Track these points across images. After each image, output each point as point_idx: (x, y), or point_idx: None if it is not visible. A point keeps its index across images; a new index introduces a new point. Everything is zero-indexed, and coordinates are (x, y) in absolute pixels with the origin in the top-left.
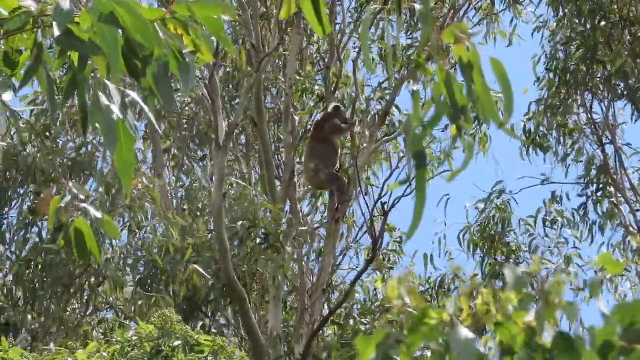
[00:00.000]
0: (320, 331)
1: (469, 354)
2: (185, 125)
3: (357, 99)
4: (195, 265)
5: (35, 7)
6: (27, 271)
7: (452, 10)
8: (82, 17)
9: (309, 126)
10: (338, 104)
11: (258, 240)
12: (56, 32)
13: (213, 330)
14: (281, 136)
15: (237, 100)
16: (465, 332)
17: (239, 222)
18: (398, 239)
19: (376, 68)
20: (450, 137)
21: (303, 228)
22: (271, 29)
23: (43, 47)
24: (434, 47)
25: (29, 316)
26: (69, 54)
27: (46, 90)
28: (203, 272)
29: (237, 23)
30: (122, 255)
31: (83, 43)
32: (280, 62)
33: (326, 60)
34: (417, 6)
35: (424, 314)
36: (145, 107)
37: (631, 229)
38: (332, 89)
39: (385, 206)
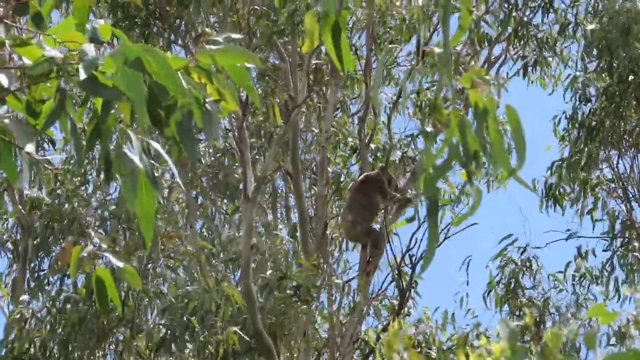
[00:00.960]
0: None
1: None
2: (211, 176)
3: (391, 151)
4: (235, 329)
5: (60, 56)
6: (61, 323)
7: (487, 63)
8: (106, 64)
9: (342, 178)
10: (383, 165)
11: (288, 291)
12: (82, 76)
13: None
14: (315, 189)
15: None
16: None
17: (268, 273)
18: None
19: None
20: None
21: (338, 281)
22: (302, 81)
23: (66, 93)
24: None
25: None
26: (91, 101)
27: (70, 134)
28: (242, 334)
29: (273, 74)
30: (154, 307)
31: (107, 89)
32: (315, 114)
33: (361, 112)
34: (437, 50)
35: None
36: (168, 159)
37: None
38: (366, 141)
39: (414, 259)
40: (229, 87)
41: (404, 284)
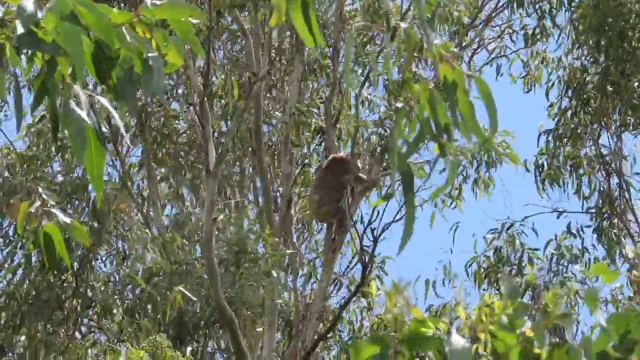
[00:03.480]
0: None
1: None
2: (182, 154)
3: (357, 133)
4: (181, 288)
5: None
6: (15, 293)
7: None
8: (46, 18)
9: (307, 160)
10: (359, 152)
11: (247, 265)
12: (19, 31)
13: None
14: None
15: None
16: (461, 341)
17: (225, 248)
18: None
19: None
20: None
21: (293, 251)
22: (263, 55)
23: (5, 51)
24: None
25: (19, 338)
26: (37, 57)
27: (14, 93)
28: (188, 294)
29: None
30: (111, 280)
31: (45, 43)
32: (279, 90)
33: (327, 92)
34: (403, 25)
35: (421, 323)
36: (114, 112)
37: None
38: (332, 122)
39: (375, 232)
40: (174, 42)
41: (367, 258)
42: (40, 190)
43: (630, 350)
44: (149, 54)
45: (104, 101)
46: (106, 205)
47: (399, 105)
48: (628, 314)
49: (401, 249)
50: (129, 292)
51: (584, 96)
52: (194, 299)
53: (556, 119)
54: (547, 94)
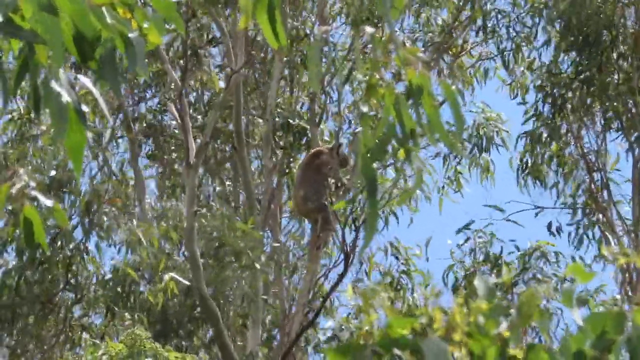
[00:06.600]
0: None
1: None
2: (173, 148)
3: (340, 129)
4: (173, 274)
5: None
6: (6, 289)
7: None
8: (24, 6)
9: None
10: (340, 143)
11: (227, 259)
12: None
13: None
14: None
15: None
16: (438, 342)
17: (203, 241)
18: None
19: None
20: (400, 161)
21: (277, 244)
22: (241, 50)
23: None
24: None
25: (7, 333)
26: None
27: None
28: (180, 279)
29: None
30: (100, 274)
31: (24, 31)
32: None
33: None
34: (369, 29)
35: (396, 324)
36: (96, 92)
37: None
38: (316, 119)
39: (357, 221)
40: (155, 21)
41: (348, 248)
42: (21, 171)
43: (607, 349)
44: (131, 34)
45: (87, 82)
46: (97, 199)
47: (365, 109)
48: (605, 314)
49: (363, 249)
50: (112, 283)
51: (561, 93)
52: (187, 282)
53: (533, 122)
54: (523, 99)
